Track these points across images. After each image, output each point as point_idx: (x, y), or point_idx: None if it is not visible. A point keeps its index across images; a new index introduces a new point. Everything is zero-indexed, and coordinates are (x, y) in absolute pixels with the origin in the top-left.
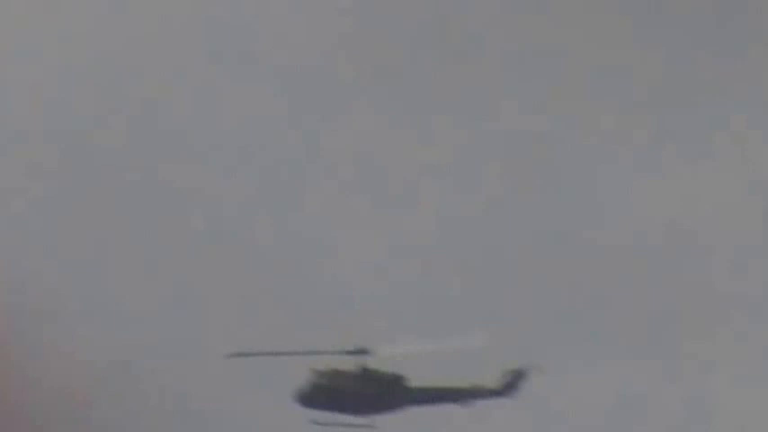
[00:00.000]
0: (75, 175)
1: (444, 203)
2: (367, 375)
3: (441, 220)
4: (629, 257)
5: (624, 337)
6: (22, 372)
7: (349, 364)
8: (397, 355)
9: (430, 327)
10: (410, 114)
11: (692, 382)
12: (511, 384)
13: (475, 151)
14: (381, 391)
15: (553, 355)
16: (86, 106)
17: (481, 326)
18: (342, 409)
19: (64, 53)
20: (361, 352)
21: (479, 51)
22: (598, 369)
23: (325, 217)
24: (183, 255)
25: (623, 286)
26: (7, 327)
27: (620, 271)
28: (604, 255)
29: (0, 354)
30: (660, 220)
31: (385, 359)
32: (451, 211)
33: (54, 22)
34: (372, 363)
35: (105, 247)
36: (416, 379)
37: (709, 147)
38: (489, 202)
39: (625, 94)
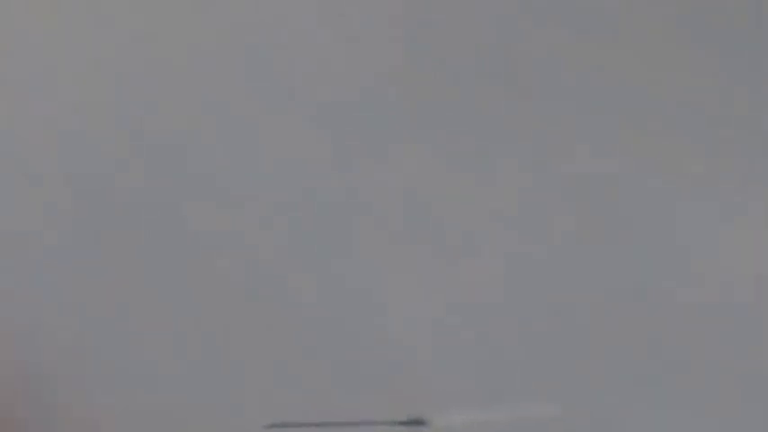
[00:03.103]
0: (94, 222)
1: (506, 255)
2: None
3: (503, 273)
4: (715, 315)
5: (713, 405)
6: None
7: None
8: (455, 425)
9: (491, 393)
10: (468, 155)
11: None
12: None
13: (541, 197)
14: None
15: (631, 427)
16: (106, 145)
17: (549, 393)
18: None
19: (81, 87)
20: (416, 422)
21: (546, 84)
22: None
23: (373, 270)
24: (215, 312)
25: (709, 348)
26: (16, 390)
27: (705, 330)
28: (687, 312)
29: (7, 420)
30: (749, 274)
31: (442, 430)
32: (515, 264)
33: (71, 55)
34: None
35: (126, 301)
36: None
37: None
38: (557, 254)
39: (711, 135)
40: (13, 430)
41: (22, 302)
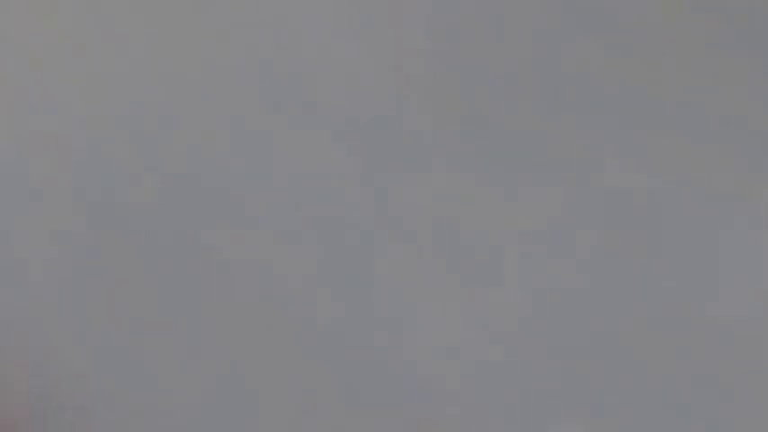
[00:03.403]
0: (105, 242)
1: (536, 275)
2: None
3: (532, 294)
4: (755, 336)
5: (751, 423)
6: None
7: None
8: None
9: (519, 419)
10: (496, 171)
11: None
12: None
13: (571, 214)
14: None
15: None
16: (118, 161)
17: (580, 419)
18: None
19: (88, 100)
20: None
21: (576, 98)
22: None
23: (398, 292)
24: (233, 337)
25: (748, 370)
26: (26, 424)
27: (744, 352)
28: (725, 333)
29: None
30: None
31: None
32: (544, 285)
33: (80, 65)
34: None
35: (140, 328)
36: None
37: None
38: (588, 274)
39: (747, 149)
40: None
41: (27, 327)
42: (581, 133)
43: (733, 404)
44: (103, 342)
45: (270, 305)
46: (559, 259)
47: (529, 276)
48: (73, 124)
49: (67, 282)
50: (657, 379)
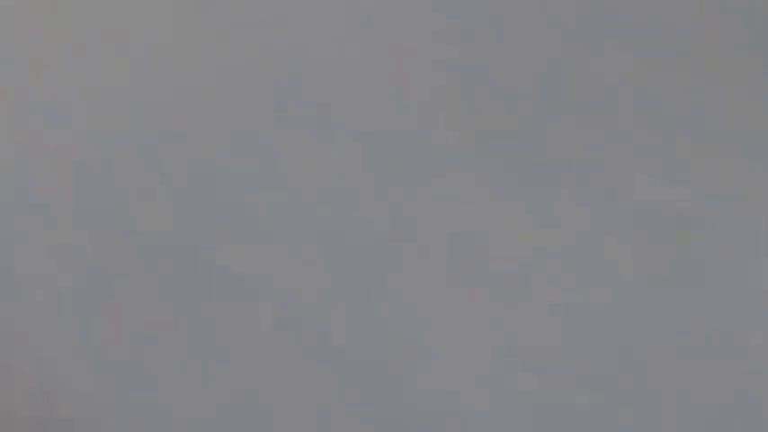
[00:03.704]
0: (113, 261)
1: (565, 296)
2: None
3: (561, 316)
4: None
5: None
6: None
7: None
8: None
9: None
10: (522, 187)
11: None
12: None
13: (602, 232)
14: None
15: None
16: (125, 176)
17: None
18: None
19: (97, 111)
20: None
21: (607, 110)
22: None
23: (419, 313)
24: (246, 359)
25: None
26: None
27: None
28: (763, 358)
29: None
30: None
31: None
32: (574, 306)
33: (86, 75)
34: None
35: (149, 348)
36: None
37: None
38: (620, 295)
39: None
40: None
41: (35, 351)
42: (612, 147)
43: (764, 424)
44: (108, 362)
45: (284, 324)
46: (589, 280)
47: (554, 294)
48: (75, 133)
49: (68, 295)
50: (691, 401)
